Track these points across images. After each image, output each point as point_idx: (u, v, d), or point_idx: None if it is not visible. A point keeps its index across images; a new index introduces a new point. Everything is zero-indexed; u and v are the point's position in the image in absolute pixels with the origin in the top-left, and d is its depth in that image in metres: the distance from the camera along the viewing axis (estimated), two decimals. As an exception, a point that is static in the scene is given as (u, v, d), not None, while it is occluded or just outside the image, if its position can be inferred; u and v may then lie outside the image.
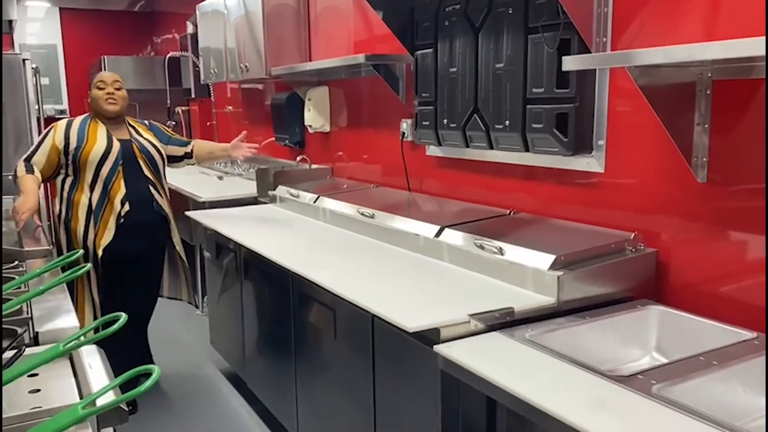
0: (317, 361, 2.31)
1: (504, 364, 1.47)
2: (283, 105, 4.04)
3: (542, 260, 1.83)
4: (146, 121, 3.21)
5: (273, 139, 4.28)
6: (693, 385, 1.37)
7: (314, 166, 3.92)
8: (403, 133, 3.03)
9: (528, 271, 1.85)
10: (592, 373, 1.41)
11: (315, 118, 3.75)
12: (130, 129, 3.03)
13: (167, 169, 3.18)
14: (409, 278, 2.05)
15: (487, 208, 2.54)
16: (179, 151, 3.19)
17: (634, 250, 1.95)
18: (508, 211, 2.43)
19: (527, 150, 2.27)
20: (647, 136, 1.95)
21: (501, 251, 1.97)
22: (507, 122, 2.30)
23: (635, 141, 2.01)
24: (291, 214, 3.25)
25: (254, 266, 2.80)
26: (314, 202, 3.12)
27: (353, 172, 3.63)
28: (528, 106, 2.21)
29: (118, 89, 2.96)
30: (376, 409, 1.96)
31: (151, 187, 2.98)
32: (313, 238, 2.68)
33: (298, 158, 3.98)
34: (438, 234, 2.26)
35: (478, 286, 1.93)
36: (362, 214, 2.70)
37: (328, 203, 3.03)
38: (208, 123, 5.73)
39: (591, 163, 2.15)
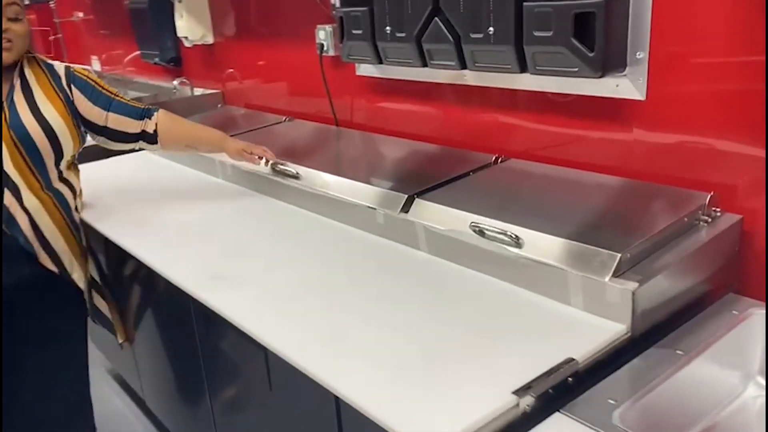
0: (245, 413, 1.59)
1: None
2: (146, 10, 3.01)
3: (598, 261, 1.16)
4: (66, 67, 1.82)
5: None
6: None
7: (199, 91, 2.99)
8: (322, 46, 2.19)
9: (574, 278, 1.18)
10: None
11: (191, 27, 2.78)
12: (20, 78, 1.73)
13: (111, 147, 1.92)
14: (378, 293, 1.33)
15: (461, 152, 1.81)
16: (131, 125, 1.86)
17: (710, 219, 1.31)
18: (494, 158, 1.71)
19: (524, 70, 1.53)
20: (717, 35, 1.27)
21: (517, 241, 1.28)
22: (491, 29, 1.53)
23: (696, 47, 1.32)
24: (174, 168, 2.37)
25: (130, 259, 1.97)
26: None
27: (253, 97, 2.75)
28: (526, 4, 1.45)
29: (14, 19, 1.65)
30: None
31: (11, 194, 1.68)
32: (209, 216, 1.86)
33: (176, 81, 3.02)
34: (405, 207, 1.52)
35: (490, 303, 1.24)
36: (281, 172, 1.90)
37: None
38: (51, 37, 4.49)
39: (623, 87, 1.45)
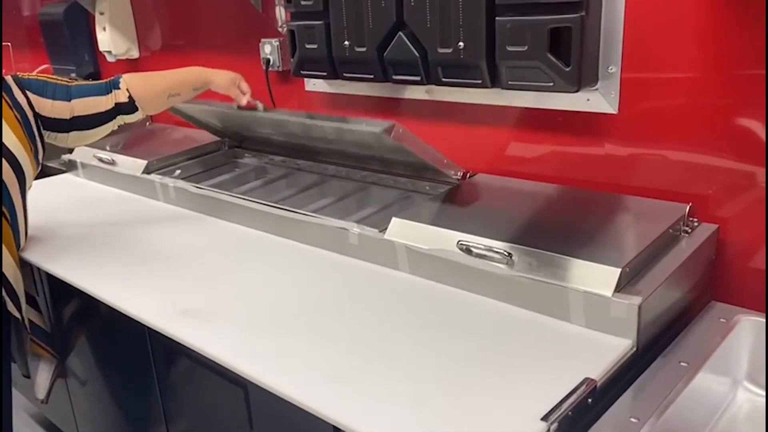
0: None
1: None
2: (60, 22, 2.79)
3: (597, 276, 1.15)
4: (12, 76, 1.61)
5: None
6: None
7: (122, 109, 2.80)
8: (268, 60, 2.09)
9: (574, 296, 1.16)
10: None
11: (115, 40, 2.61)
12: None
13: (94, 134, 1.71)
14: (368, 320, 1.26)
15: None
16: (101, 103, 1.66)
17: (690, 230, 1.33)
18: (462, 172, 1.68)
19: (495, 85, 1.52)
20: (688, 49, 1.31)
21: (510, 259, 1.25)
22: (461, 44, 1.51)
23: (667, 62, 1.35)
24: (106, 191, 2.19)
25: (67, 288, 1.79)
26: (143, 171, 2.11)
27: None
28: (498, 19, 1.44)
29: None
30: None
31: None
32: (158, 240, 1.72)
33: (97, 99, 2.81)
34: (384, 229, 1.46)
35: (488, 324, 1.20)
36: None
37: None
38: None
39: (595, 101, 1.46)
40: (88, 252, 1.68)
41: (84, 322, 1.77)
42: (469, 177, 1.67)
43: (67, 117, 1.64)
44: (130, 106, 1.69)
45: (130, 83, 1.70)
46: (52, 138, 1.67)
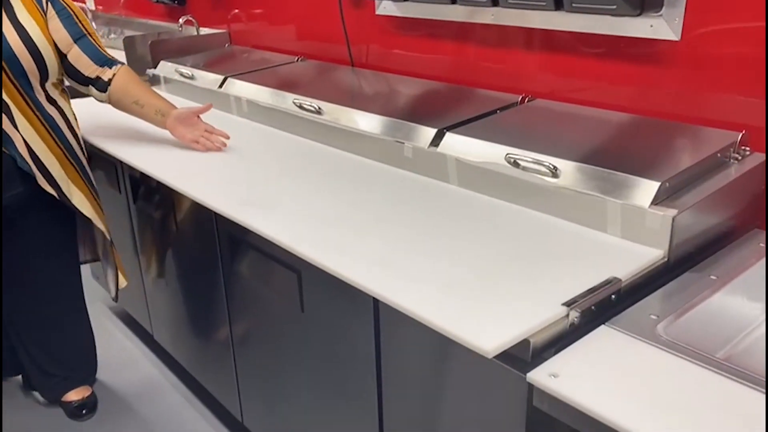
0: (269, 340, 1.61)
1: (669, 405, 0.85)
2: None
3: (637, 189, 1.19)
4: None
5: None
6: None
7: (204, 31, 2.94)
8: (341, -16, 2.16)
9: (612, 206, 1.21)
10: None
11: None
12: None
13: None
14: (413, 222, 1.35)
15: (487, 93, 1.81)
16: (89, 67, 1.81)
17: (740, 158, 1.34)
18: (520, 97, 1.72)
19: (558, 8, 1.54)
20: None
21: (554, 171, 1.30)
22: (527, -35, 1.53)
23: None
24: (186, 104, 2.34)
25: (147, 188, 1.96)
26: (220, 86, 2.24)
27: (260, 38, 2.71)
28: (566, -61, 1.45)
29: None
30: (383, 423, 1.32)
31: (5, 114, 1.66)
32: (230, 147, 1.85)
33: (181, 20, 2.96)
34: (436, 141, 1.54)
35: (528, 231, 1.27)
36: (301, 107, 1.89)
37: (243, 88, 2.16)
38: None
39: (658, 27, 1.46)
40: (168, 152, 1.83)
41: (160, 219, 1.94)
42: (528, 101, 1.71)
43: (63, 50, 1.76)
44: (102, 86, 1.83)
45: (121, 73, 1.84)
46: None
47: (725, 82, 1.40)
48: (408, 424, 1.25)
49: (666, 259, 1.15)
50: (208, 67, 2.41)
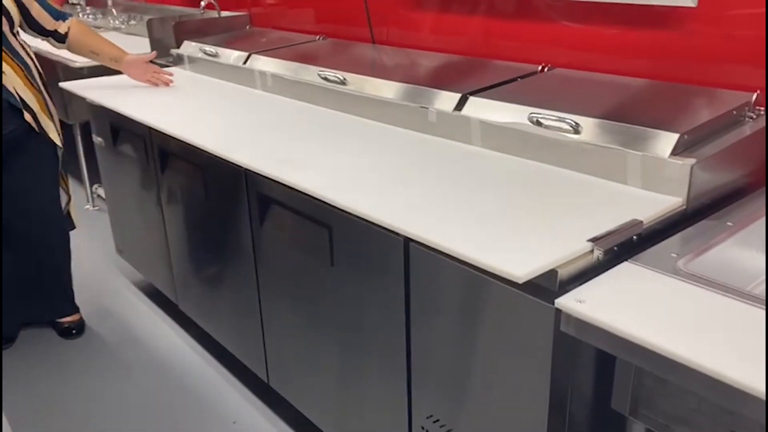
0: (298, 294, 1.67)
1: (689, 326, 0.91)
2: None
3: (657, 141, 1.25)
4: None
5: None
6: None
7: (225, 14, 3.01)
8: (363, -38, 2.22)
9: (633, 158, 1.26)
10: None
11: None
12: None
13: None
14: (439, 177, 1.40)
15: (506, 63, 1.87)
16: (49, 22, 2.17)
17: (755, 117, 1.40)
18: (540, 66, 1.78)
19: (578, -23, 1.60)
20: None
21: (576, 128, 1.36)
22: (549, -65, 1.59)
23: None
24: (210, 81, 2.42)
25: (176, 158, 2.03)
26: (244, 62, 2.31)
27: (281, 19, 2.78)
28: None
29: None
30: (412, 371, 1.38)
31: None
32: (258, 117, 1.91)
33: (203, 3, 3.03)
34: (459, 105, 1.59)
35: (552, 183, 1.33)
36: (326, 78, 1.95)
37: (266, 64, 2.23)
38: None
39: (675, -6, 1.52)
40: (201, 120, 1.90)
41: (188, 187, 2.01)
42: (548, 70, 1.77)
43: (26, 4, 2.06)
44: (61, 38, 2.21)
45: (73, 25, 2.22)
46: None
47: (741, 47, 1.45)
48: (437, 369, 1.31)
49: (684, 207, 1.21)
50: (231, 45, 2.48)
